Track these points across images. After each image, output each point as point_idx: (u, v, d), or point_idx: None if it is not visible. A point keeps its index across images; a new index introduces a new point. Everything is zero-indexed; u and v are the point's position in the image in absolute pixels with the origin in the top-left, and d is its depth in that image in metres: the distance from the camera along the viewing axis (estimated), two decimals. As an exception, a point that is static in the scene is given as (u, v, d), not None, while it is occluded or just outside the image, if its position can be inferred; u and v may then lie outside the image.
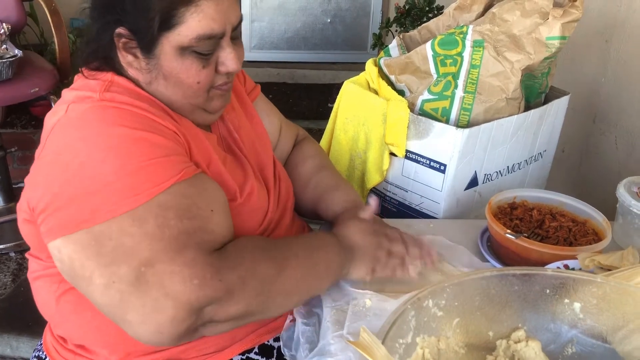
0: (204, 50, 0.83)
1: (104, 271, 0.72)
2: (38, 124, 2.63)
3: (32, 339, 1.72)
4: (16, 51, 1.97)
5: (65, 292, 0.86)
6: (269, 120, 1.13)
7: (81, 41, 0.90)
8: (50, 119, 0.82)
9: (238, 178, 0.92)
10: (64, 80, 2.15)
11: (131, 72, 0.85)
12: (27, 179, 0.84)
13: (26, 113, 2.68)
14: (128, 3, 0.80)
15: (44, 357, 0.96)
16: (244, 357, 0.93)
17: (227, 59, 0.86)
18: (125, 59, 0.84)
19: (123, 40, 0.82)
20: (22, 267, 2.08)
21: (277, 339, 0.97)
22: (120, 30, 0.82)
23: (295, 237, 0.98)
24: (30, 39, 2.75)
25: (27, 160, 2.64)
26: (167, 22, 0.80)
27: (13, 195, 2.34)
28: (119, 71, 0.86)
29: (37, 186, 0.80)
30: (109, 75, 0.85)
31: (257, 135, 1.05)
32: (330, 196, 1.07)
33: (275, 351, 0.96)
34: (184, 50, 0.82)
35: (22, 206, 0.85)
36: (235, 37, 0.88)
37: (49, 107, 2.19)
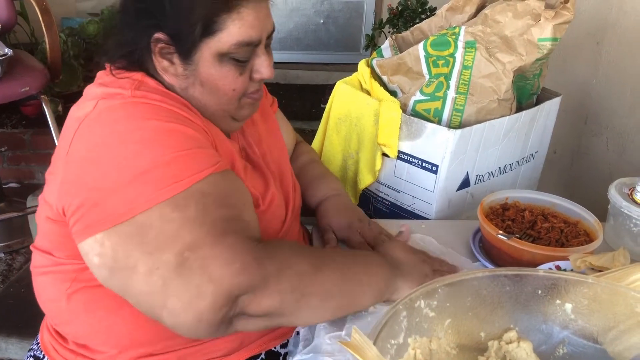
0: (241, 57, 0.84)
1: (148, 259, 0.71)
2: (29, 123, 2.61)
3: (21, 340, 1.71)
4: (6, 50, 1.95)
5: (78, 290, 0.84)
6: (287, 130, 1.18)
7: (109, 41, 0.89)
8: (76, 114, 0.81)
9: (259, 187, 0.93)
10: (54, 79, 2.13)
11: (166, 77, 0.85)
12: (51, 177, 0.83)
13: (16, 112, 2.66)
14: (169, 8, 0.80)
15: (41, 356, 0.94)
16: None
17: (262, 66, 0.87)
18: (160, 64, 0.84)
19: (160, 45, 0.82)
20: (12, 268, 2.06)
21: (283, 345, 0.97)
22: (158, 35, 0.81)
23: (334, 248, 0.99)
24: (20, 38, 2.73)
25: (18, 160, 2.62)
26: (209, 29, 0.80)
27: (3, 195, 2.32)
28: (148, 72, 0.86)
29: (67, 185, 0.78)
30: (139, 75, 0.84)
31: (277, 148, 1.07)
32: (315, 184, 1.14)
33: (281, 357, 0.96)
34: (222, 56, 0.82)
35: (47, 202, 0.83)
36: (268, 44, 0.89)
37: (40, 107, 2.18)
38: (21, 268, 2.06)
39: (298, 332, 0.92)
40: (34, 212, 1.97)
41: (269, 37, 0.88)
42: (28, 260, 2.11)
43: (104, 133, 0.77)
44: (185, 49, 0.82)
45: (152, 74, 0.86)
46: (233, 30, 0.81)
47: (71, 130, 0.80)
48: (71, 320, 0.88)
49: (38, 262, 0.90)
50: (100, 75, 0.88)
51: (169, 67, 0.84)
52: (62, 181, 0.80)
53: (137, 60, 0.85)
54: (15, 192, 2.51)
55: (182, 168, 0.75)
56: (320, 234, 1.06)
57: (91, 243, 0.75)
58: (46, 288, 0.89)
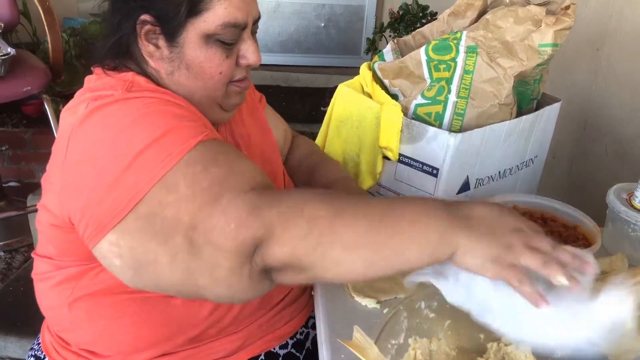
0: (227, 40, 0.83)
1: (165, 248, 0.70)
2: (29, 123, 2.61)
3: (20, 339, 1.71)
4: (9, 49, 1.95)
5: (79, 298, 0.84)
6: (277, 126, 1.17)
7: (98, 38, 0.88)
8: (68, 119, 0.80)
9: None
10: (56, 79, 2.14)
11: (152, 63, 0.84)
12: (47, 185, 0.82)
13: (17, 112, 2.66)
14: None
15: (42, 357, 0.94)
16: None
17: (249, 51, 0.87)
18: (146, 48, 0.83)
19: (146, 27, 0.82)
20: (11, 266, 2.06)
21: (282, 347, 0.97)
22: (144, 17, 0.81)
23: (367, 195, 0.93)
24: (22, 38, 2.74)
25: (18, 159, 2.63)
26: (194, 8, 0.80)
27: (3, 194, 2.32)
28: (139, 68, 0.85)
29: (69, 191, 0.77)
30: (129, 75, 0.84)
31: (269, 148, 1.06)
32: (324, 165, 1.16)
33: (280, 359, 0.96)
34: (208, 38, 0.82)
35: (48, 210, 0.82)
36: (254, 31, 0.89)
37: (41, 106, 2.18)
38: (20, 267, 2.06)
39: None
40: (33, 211, 1.98)
41: (255, 23, 0.88)
42: (27, 259, 2.12)
43: (97, 130, 0.76)
44: (171, 29, 0.81)
45: (140, 65, 0.85)
46: (219, 11, 0.81)
47: (65, 136, 0.78)
48: (74, 328, 0.88)
49: (39, 269, 0.89)
50: (89, 80, 0.87)
51: (154, 52, 0.83)
52: (62, 188, 0.78)
53: (123, 52, 0.85)
54: (15, 191, 2.52)
55: (171, 142, 0.73)
56: None
57: (107, 246, 0.73)
58: (47, 295, 0.89)
